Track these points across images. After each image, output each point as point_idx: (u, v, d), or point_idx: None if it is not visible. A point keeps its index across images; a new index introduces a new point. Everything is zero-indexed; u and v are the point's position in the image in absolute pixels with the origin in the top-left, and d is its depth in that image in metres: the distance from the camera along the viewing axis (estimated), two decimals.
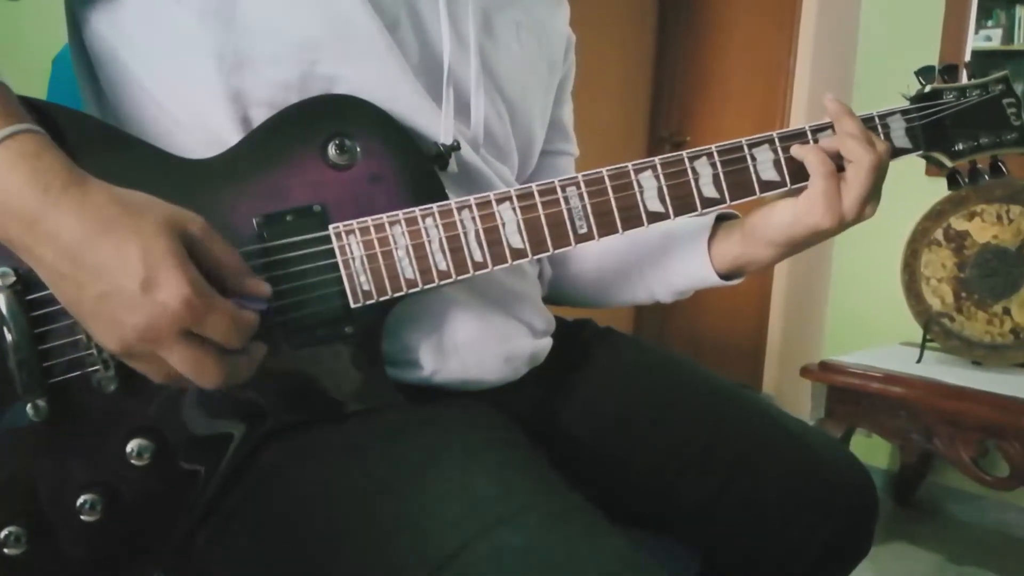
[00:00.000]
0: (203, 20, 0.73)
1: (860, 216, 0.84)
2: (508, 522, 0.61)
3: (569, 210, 0.78)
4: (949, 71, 0.89)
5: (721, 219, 0.95)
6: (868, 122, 0.86)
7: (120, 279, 0.59)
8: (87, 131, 0.70)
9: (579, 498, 0.66)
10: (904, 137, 0.87)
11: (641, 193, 0.80)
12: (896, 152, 0.87)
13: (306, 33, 0.74)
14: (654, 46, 4.08)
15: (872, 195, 0.83)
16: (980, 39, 2.61)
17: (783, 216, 0.86)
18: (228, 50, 0.73)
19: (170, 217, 0.62)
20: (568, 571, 0.58)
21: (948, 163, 0.89)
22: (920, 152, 0.89)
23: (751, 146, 0.83)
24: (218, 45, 0.73)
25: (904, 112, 0.88)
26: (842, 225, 0.84)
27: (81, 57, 0.81)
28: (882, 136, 0.86)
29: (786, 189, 0.84)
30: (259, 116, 0.75)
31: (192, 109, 0.76)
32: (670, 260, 0.97)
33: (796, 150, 0.83)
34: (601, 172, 0.79)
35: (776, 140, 0.83)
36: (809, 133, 0.84)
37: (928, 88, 0.89)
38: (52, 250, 0.59)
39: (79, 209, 0.59)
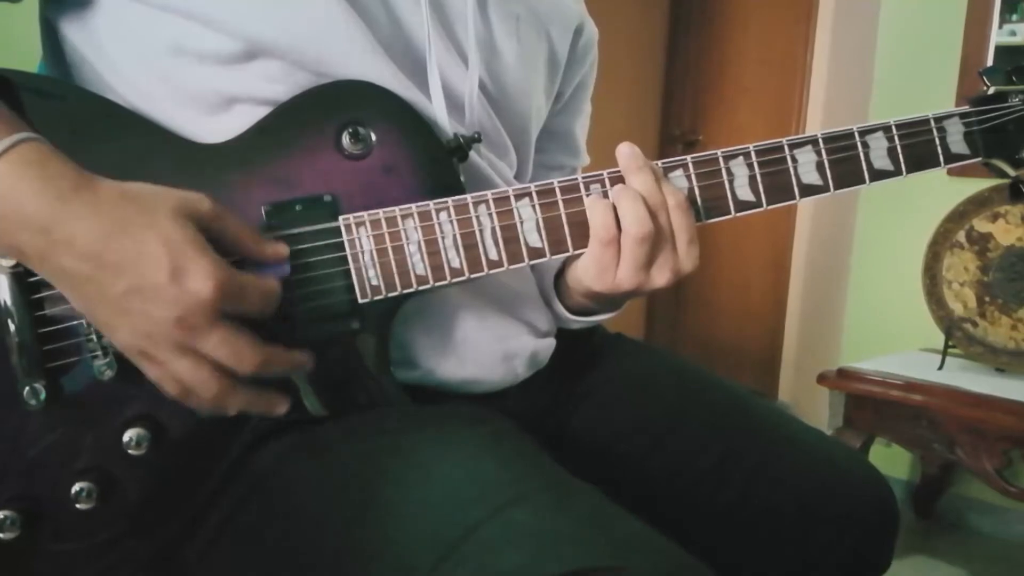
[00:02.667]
0: (179, 26, 0.74)
1: (646, 284, 0.79)
2: (518, 503, 0.62)
3: None
4: (1019, 73, 0.85)
5: None
6: (923, 124, 0.83)
7: (147, 273, 0.61)
8: (95, 110, 0.72)
9: (588, 485, 0.67)
10: (962, 142, 0.84)
11: None
12: (952, 158, 0.84)
13: (285, 33, 0.74)
14: (665, 40, 4.09)
15: (653, 263, 0.79)
16: (1004, 34, 2.61)
17: (574, 272, 0.84)
18: (208, 51, 0.74)
19: (182, 204, 0.64)
20: (580, 546, 0.58)
21: (1011, 172, 0.86)
22: (980, 160, 0.85)
23: (792, 147, 0.81)
24: (196, 47, 0.74)
25: (963, 115, 0.84)
26: (625, 292, 0.80)
27: (57, 71, 0.81)
28: (937, 140, 0.83)
29: None
30: (242, 112, 0.75)
31: (170, 115, 0.76)
32: (547, 298, 0.96)
33: (589, 202, 0.78)
34: None
35: (820, 141, 0.81)
36: (857, 135, 0.82)
37: (992, 90, 0.86)
38: (70, 256, 0.61)
39: (93, 211, 0.61)
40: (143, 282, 0.61)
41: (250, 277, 0.65)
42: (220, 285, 0.62)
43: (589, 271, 0.80)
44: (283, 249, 0.70)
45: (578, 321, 0.94)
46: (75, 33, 0.78)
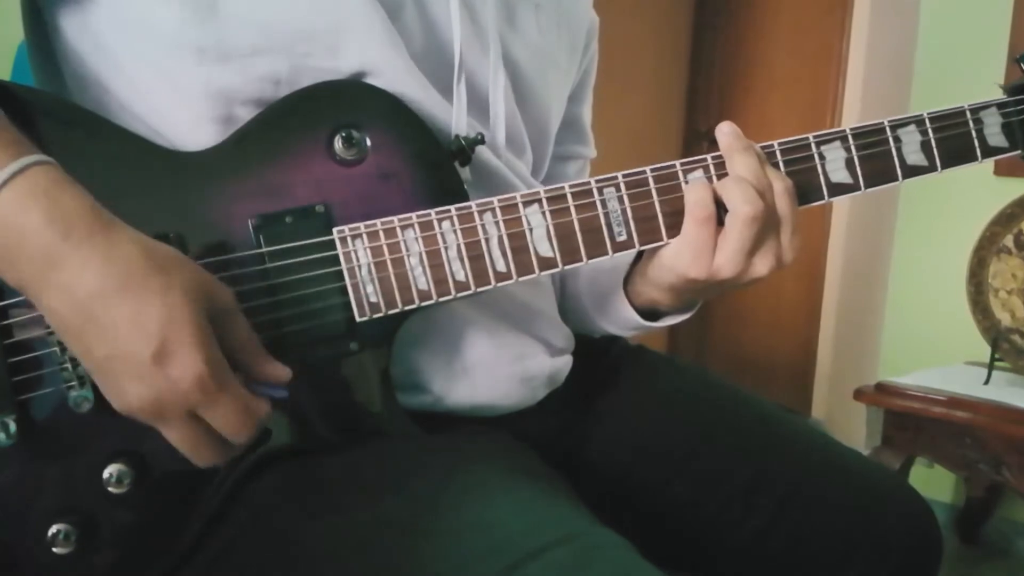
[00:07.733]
0: (182, 14, 0.73)
1: (747, 272, 0.79)
2: (537, 558, 0.61)
3: (606, 214, 0.77)
4: None
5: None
6: (958, 116, 0.84)
7: (131, 344, 0.59)
8: (67, 117, 0.71)
9: (611, 532, 0.66)
10: (1000, 134, 0.84)
11: None
12: (990, 151, 0.84)
13: (296, 23, 0.74)
14: (690, 31, 4.09)
15: (757, 250, 0.78)
16: None
17: (661, 259, 0.82)
18: (210, 43, 0.73)
19: (200, 284, 0.62)
20: None
21: None
22: (1019, 153, 0.85)
23: (819, 143, 0.81)
24: (198, 39, 0.73)
25: (1000, 105, 0.85)
26: (722, 280, 0.79)
27: (43, 65, 0.81)
28: (973, 132, 0.84)
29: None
30: (245, 115, 0.74)
31: (169, 115, 0.75)
32: (604, 299, 0.95)
33: (687, 189, 0.78)
34: (645, 172, 0.78)
35: (849, 137, 0.81)
36: (888, 129, 0.82)
37: None
38: (65, 302, 0.59)
39: (103, 261, 0.58)
40: (124, 353, 0.59)
41: (240, 389, 0.62)
42: (201, 381, 0.59)
43: (683, 255, 0.79)
44: (284, 372, 0.67)
45: (639, 327, 0.93)
46: (71, 25, 0.77)
